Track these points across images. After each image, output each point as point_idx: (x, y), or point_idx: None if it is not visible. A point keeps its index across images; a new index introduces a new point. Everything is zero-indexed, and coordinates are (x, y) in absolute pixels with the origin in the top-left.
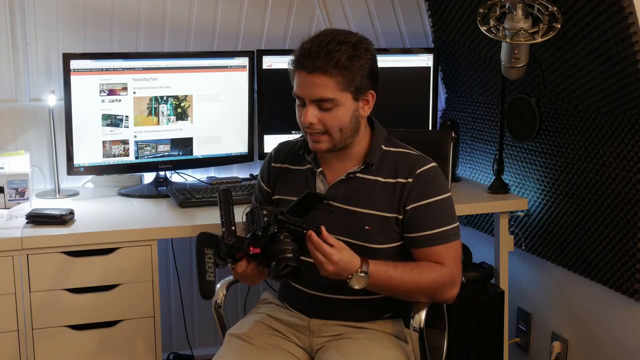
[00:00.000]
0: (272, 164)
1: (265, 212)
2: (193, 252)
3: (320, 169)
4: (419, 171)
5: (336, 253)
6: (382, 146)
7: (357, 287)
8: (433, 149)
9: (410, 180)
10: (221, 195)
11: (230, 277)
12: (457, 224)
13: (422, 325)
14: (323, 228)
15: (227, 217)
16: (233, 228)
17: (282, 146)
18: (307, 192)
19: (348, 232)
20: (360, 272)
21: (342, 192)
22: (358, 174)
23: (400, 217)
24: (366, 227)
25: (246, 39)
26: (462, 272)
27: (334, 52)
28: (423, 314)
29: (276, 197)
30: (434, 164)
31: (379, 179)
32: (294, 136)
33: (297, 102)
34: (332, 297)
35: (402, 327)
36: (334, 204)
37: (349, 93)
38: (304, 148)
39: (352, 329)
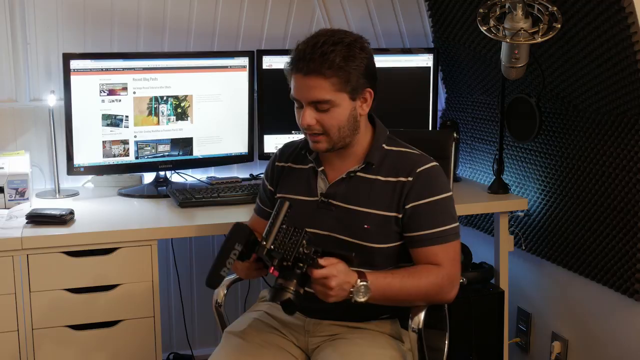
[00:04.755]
0: (276, 163)
1: (304, 243)
2: (193, 252)
3: (322, 168)
4: (419, 170)
5: (332, 269)
6: (384, 145)
7: (362, 299)
8: (435, 149)
9: (410, 179)
10: (281, 205)
11: (231, 277)
12: (457, 224)
13: (420, 327)
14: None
15: (276, 226)
16: (276, 238)
17: (286, 146)
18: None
19: (347, 231)
20: (360, 282)
21: (343, 191)
22: (359, 173)
23: (400, 216)
24: (365, 226)
25: (246, 39)
26: (461, 272)
27: (328, 54)
28: (422, 315)
29: (278, 195)
30: (435, 163)
31: (379, 177)
32: (294, 136)
33: (296, 104)
34: None
35: (398, 327)
36: (334, 202)
37: (345, 93)
38: (306, 148)
39: (347, 329)
